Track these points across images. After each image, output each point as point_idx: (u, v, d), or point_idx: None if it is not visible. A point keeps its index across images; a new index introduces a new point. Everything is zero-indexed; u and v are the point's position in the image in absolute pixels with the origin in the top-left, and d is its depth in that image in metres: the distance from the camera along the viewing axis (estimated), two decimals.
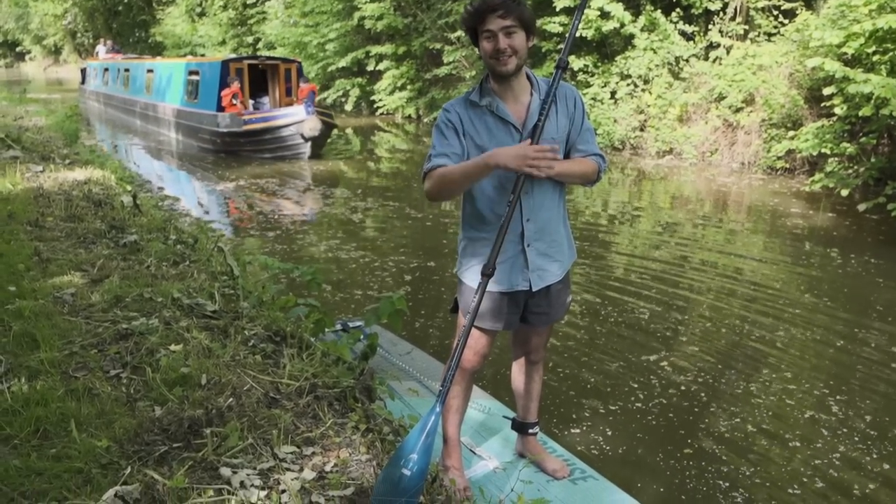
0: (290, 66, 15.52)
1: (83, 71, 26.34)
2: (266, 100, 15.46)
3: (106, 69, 23.26)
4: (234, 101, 13.93)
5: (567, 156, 2.51)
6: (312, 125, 12.97)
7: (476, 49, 2.41)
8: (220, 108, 14.03)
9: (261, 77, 15.50)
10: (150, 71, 18.59)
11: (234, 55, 17.73)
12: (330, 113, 14.30)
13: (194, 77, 15.54)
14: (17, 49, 58.74)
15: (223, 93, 13.96)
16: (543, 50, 14.50)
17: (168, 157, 14.78)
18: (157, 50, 33.51)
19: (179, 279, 3.95)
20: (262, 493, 2.04)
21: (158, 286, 3.73)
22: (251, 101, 14.94)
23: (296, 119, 13.13)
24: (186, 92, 15.84)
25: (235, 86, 13.97)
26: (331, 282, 6.12)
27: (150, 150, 15.43)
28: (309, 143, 13.23)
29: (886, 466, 3.52)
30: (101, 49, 26.32)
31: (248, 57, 15.70)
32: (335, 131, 15.01)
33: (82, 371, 2.77)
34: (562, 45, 2.56)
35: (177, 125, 16.37)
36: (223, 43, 29.65)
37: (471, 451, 2.99)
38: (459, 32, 16.77)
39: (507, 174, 2.38)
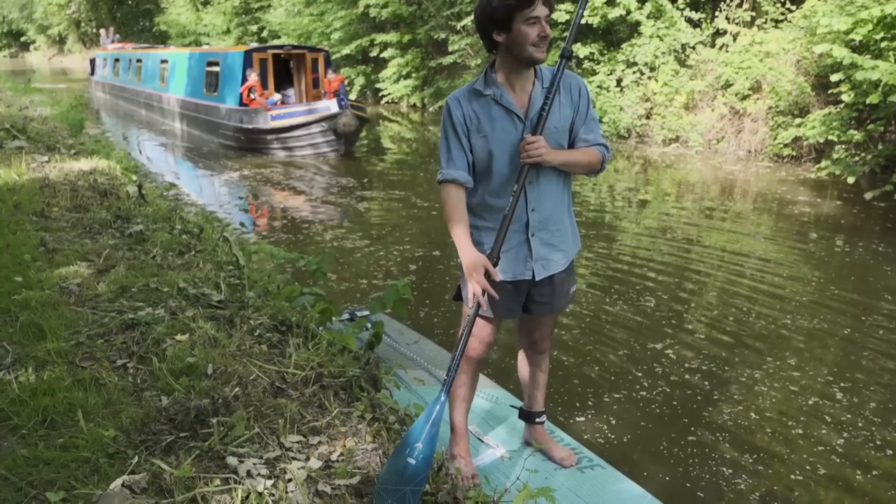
0: (318, 55, 14.47)
1: (92, 61, 25.74)
2: (291, 92, 14.53)
3: (117, 59, 22.42)
4: (253, 96, 13.04)
5: (571, 145, 2.51)
6: (347, 120, 12.12)
7: (498, 35, 2.33)
8: (244, 102, 13.19)
9: (284, 67, 14.57)
10: (164, 61, 17.68)
11: (256, 44, 16.20)
12: (363, 106, 13.66)
13: (214, 68, 14.55)
14: (22, 39, 58.77)
15: (241, 88, 13.12)
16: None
17: (184, 153, 13.98)
18: (162, 39, 33.48)
19: (185, 269, 3.96)
20: (269, 483, 2.05)
21: (164, 276, 3.74)
22: (277, 95, 13.84)
23: (329, 113, 12.28)
24: (205, 84, 14.88)
25: (254, 78, 13.05)
26: (336, 271, 6.13)
27: (166, 145, 14.86)
28: (342, 140, 12.47)
29: (889, 452, 3.52)
30: (104, 38, 26.09)
31: (272, 46, 14.53)
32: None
33: (89, 361, 2.78)
34: (567, 34, 2.53)
35: (194, 119, 15.53)
36: (227, 32, 29.61)
37: (478, 439, 3.00)
38: (465, 21, 16.69)
39: (514, 164, 2.39)
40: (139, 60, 19.74)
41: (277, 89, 14.00)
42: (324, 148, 12.59)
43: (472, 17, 16.43)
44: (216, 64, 14.44)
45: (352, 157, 12.70)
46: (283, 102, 13.67)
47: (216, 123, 14.10)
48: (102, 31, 27.94)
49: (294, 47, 14.64)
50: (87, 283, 3.62)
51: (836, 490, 3.26)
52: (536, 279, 2.54)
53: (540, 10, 2.28)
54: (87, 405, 2.43)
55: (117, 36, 26.59)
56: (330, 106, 12.33)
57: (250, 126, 12.88)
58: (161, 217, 5.30)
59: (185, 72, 16.05)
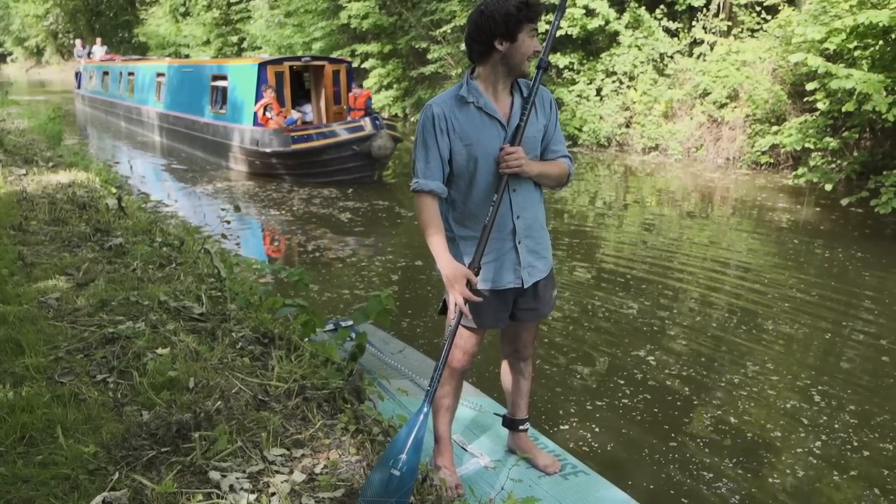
0: (339, 67, 12.64)
1: (78, 74, 24.34)
2: (308, 108, 12.74)
3: (105, 72, 20.75)
4: (269, 115, 11.25)
5: (542, 156, 2.55)
6: (383, 143, 10.32)
7: (499, 43, 2.34)
8: (258, 122, 11.45)
9: (298, 81, 12.94)
10: (160, 75, 15.93)
11: (269, 56, 14.28)
12: (395, 125, 11.82)
13: (220, 83, 12.75)
14: None
15: (256, 106, 11.39)
16: None
17: (188, 178, 11.90)
18: (141, 51, 33.30)
19: (166, 282, 3.93)
20: (252, 497, 2.04)
21: (145, 289, 3.71)
22: (297, 113, 12.11)
23: (362, 134, 10.39)
24: (210, 101, 13.12)
25: (270, 95, 11.27)
26: (318, 282, 6.10)
27: (166, 168, 13.10)
28: (376, 165, 10.73)
29: (867, 454, 3.57)
30: (97, 50, 24.42)
31: (288, 58, 12.54)
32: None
33: (68, 376, 2.75)
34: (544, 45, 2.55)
35: (198, 140, 13.66)
36: (207, 43, 29.52)
37: (462, 448, 3.00)
38: (444, 29, 16.77)
39: (496, 172, 2.42)
40: (131, 73, 18.17)
41: (293, 105, 12.43)
42: (355, 174, 10.74)
43: (451, 24, 16.72)
44: (223, 78, 12.70)
45: (381, 183, 11.13)
46: (302, 122, 11.99)
47: (225, 146, 12.42)
48: (78, 41, 26.95)
49: (313, 58, 12.80)
50: (66, 297, 3.59)
51: (815, 491, 3.30)
52: (525, 286, 2.55)
53: (538, 25, 2.37)
54: (66, 421, 2.40)
55: (105, 48, 25.25)
56: (364, 126, 10.45)
57: (269, 150, 11.07)
58: (141, 229, 5.26)
59: (186, 87, 14.36)
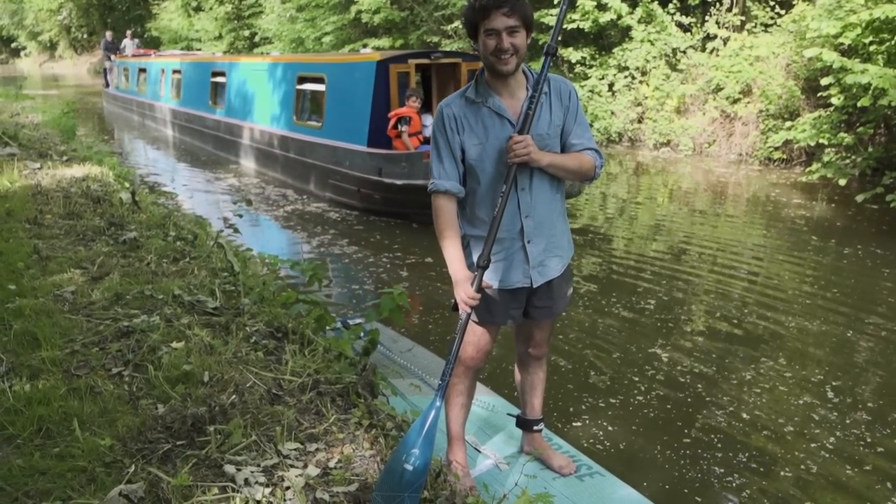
0: (476, 65, 7.75)
1: (106, 71, 22.07)
2: (429, 120, 8.40)
3: (142, 69, 17.84)
4: (401, 129, 8.07)
5: (562, 151, 2.51)
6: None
7: (473, 44, 2.40)
8: (378, 142, 8.24)
9: (424, 84, 9.72)
10: (218, 74, 12.81)
11: (392, 52, 11.42)
12: None
13: (312, 86, 9.68)
14: (13, 45, 58.55)
15: (391, 115, 8.18)
16: (541, 42, 14.46)
17: (267, 208, 9.21)
18: (154, 45, 33.37)
19: (180, 276, 3.95)
20: (267, 490, 2.05)
21: (159, 283, 3.73)
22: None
23: None
24: (296, 108, 10.00)
25: (414, 105, 8.10)
26: (327, 278, 6.12)
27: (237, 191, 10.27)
28: None
29: (881, 450, 3.55)
30: (127, 43, 21.84)
31: (413, 54, 9.10)
32: None
33: (84, 369, 2.77)
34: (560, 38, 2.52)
35: (273, 160, 10.66)
36: (219, 37, 29.55)
37: (475, 449, 2.98)
38: (456, 24, 16.73)
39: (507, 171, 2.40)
40: (177, 71, 15.09)
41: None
42: None
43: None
44: (318, 80, 9.46)
45: None
46: (424, 139, 8.24)
47: (322, 170, 9.18)
48: (108, 33, 23.21)
49: (445, 54, 9.30)
50: (82, 290, 3.61)
51: (828, 487, 3.29)
52: (535, 286, 2.54)
53: (498, 22, 2.26)
54: (82, 414, 2.42)
55: (136, 41, 22.41)
56: None
57: (400, 182, 7.79)
58: (155, 224, 5.29)
59: (261, 89, 11.11)
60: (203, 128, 13.60)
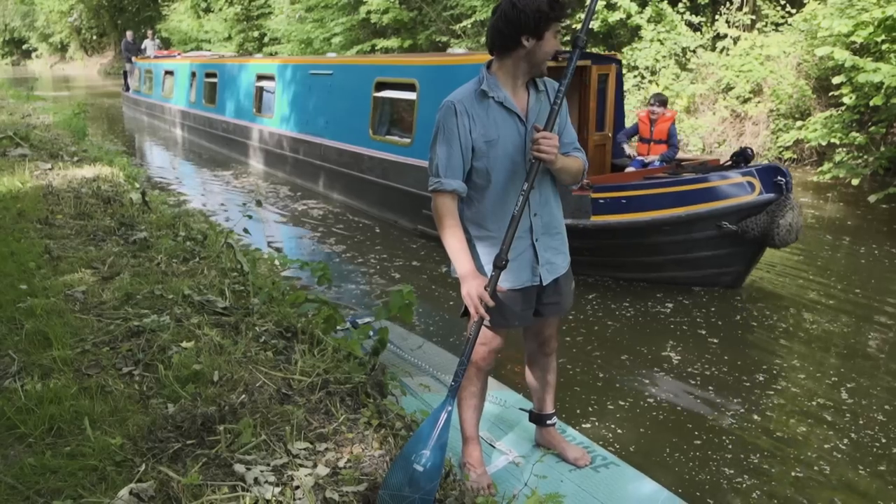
0: (607, 69, 6.99)
1: (125, 73, 20.70)
2: None
3: (168, 72, 16.13)
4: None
5: None
6: (794, 220, 5.36)
7: (527, 39, 2.30)
8: None
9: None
10: (264, 78, 11.02)
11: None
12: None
13: (396, 94, 7.87)
14: (24, 46, 58.99)
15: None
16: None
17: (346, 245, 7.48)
18: (164, 46, 33.55)
19: (190, 276, 3.96)
20: (277, 490, 2.04)
21: (169, 283, 3.75)
22: None
23: (745, 201, 5.41)
24: (374, 120, 8.12)
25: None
26: (334, 277, 6.12)
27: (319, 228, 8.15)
28: (754, 257, 5.71)
29: (895, 451, 3.52)
30: (148, 44, 20.88)
31: None
32: None
33: (95, 369, 2.78)
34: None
35: (351, 184, 8.71)
36: (229, 38, 29.67)
37: (490, 445, 2.99)
38: (465, 24, 16.71)
39: (515, 169, 2.39)
40: (210, 74, 13.37)
41: None
42: (707, 270, 5.75)
43: (471, 19, 16.63)
44: (408, 87, 7.59)
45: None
46: None
47: (412, 197, 7.32)
48: (129, 33, 21.53)
49: (581, 55, 5.27)
50: (92, 290, 3.63)
51: (841, 487, 3.26)
52: (544, 284, 2.53)
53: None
54: (93, 413, 2.43)
55: (157, 42, 21.15)
56: (747, 184, 5.47)
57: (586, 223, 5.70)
58: (165, 224, 5.30)
59: (322, 97, 9.37)
60: (245, 139, 11.85)
